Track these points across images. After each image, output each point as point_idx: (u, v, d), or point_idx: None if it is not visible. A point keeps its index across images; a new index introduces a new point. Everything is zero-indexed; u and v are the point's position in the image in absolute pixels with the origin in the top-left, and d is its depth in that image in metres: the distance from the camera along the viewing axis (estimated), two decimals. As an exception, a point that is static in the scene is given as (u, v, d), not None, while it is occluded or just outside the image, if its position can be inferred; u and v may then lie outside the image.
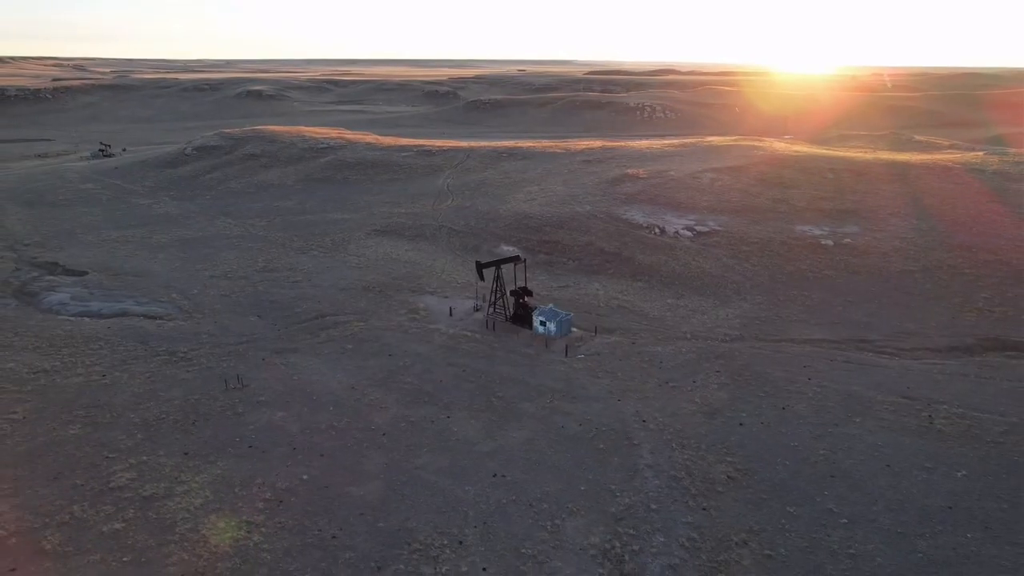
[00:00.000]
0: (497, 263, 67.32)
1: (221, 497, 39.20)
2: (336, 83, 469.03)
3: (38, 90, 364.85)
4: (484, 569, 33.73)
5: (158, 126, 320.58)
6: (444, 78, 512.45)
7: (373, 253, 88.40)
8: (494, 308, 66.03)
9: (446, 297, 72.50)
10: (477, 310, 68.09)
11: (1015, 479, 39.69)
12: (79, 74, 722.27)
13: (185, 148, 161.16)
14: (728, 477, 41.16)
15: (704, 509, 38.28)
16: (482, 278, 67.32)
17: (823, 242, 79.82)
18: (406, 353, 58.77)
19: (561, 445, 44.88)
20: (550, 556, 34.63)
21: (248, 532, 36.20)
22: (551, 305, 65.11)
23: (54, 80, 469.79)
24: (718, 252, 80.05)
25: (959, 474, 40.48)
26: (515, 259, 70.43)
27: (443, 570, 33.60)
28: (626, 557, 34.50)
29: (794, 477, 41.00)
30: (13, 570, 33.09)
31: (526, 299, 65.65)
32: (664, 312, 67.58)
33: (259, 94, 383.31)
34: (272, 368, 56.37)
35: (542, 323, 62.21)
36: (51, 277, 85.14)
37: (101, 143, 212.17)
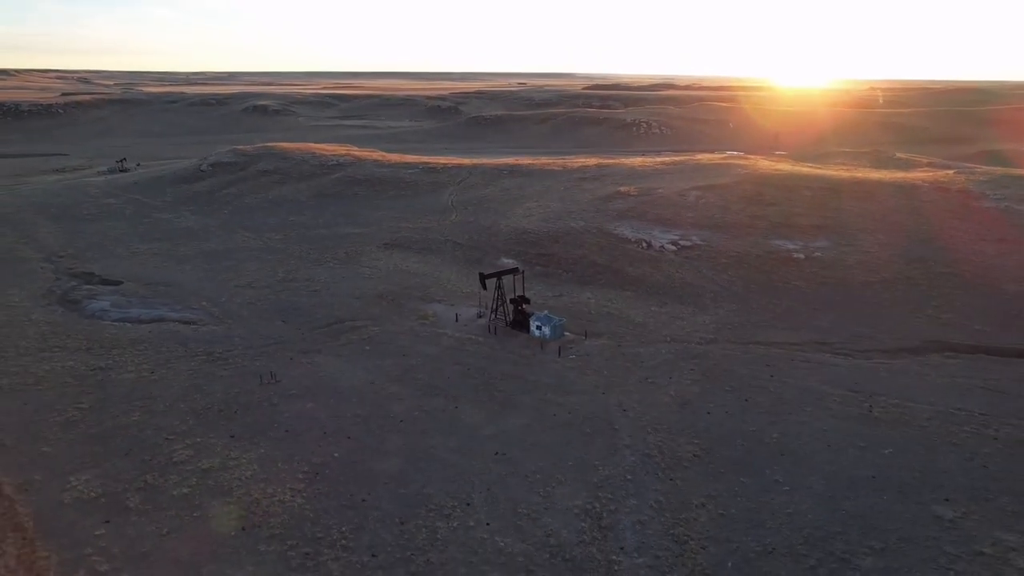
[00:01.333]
0: (498, 274, 75.27)
1: (267, 470, 46.86)
2: (340, 98, 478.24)
3: (50, 105, 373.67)
4: (487, 524, 41.34)
5: (167, 140, 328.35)
6: (446, 93, 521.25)
7: (384, 265, 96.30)
8: (495, 314, 73.79)
9: (452, 305, 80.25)
10: (480, 316, 75.81)
11: (930, 455, 47.35)
12: (87, 88, 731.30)
13: (201, 164, 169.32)
14: (693, 455, 48.80)
15: (671, 480, 45.92)
16: (485, 288, 75.29)
17: (795, 255, 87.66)
18: (418, 354, 66.54)
19: (553, 430, 52.55)
20: (542, 514, 42.25)
21: (292, 496, 43.86)
22: (546, 312, 72.90)
23: (64, 95, 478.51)
24: (699, 264, 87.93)
25: (886, 451, 48.15)
26: (514, 271, 78.37)
27: (454, 525, 41.23)
28: (604, 515, 42.15)
29: (749, 455, 48.64)
30: (107, 521, 40.75)
31: (524, 306, 73.46)
32: (647, 318, 75.38)
33: (265, 109, 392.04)
34: (299, 366, 64.10)
35: (538, 327, 69.98)
36: (89, 286, 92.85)
37: (117, 159, 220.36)
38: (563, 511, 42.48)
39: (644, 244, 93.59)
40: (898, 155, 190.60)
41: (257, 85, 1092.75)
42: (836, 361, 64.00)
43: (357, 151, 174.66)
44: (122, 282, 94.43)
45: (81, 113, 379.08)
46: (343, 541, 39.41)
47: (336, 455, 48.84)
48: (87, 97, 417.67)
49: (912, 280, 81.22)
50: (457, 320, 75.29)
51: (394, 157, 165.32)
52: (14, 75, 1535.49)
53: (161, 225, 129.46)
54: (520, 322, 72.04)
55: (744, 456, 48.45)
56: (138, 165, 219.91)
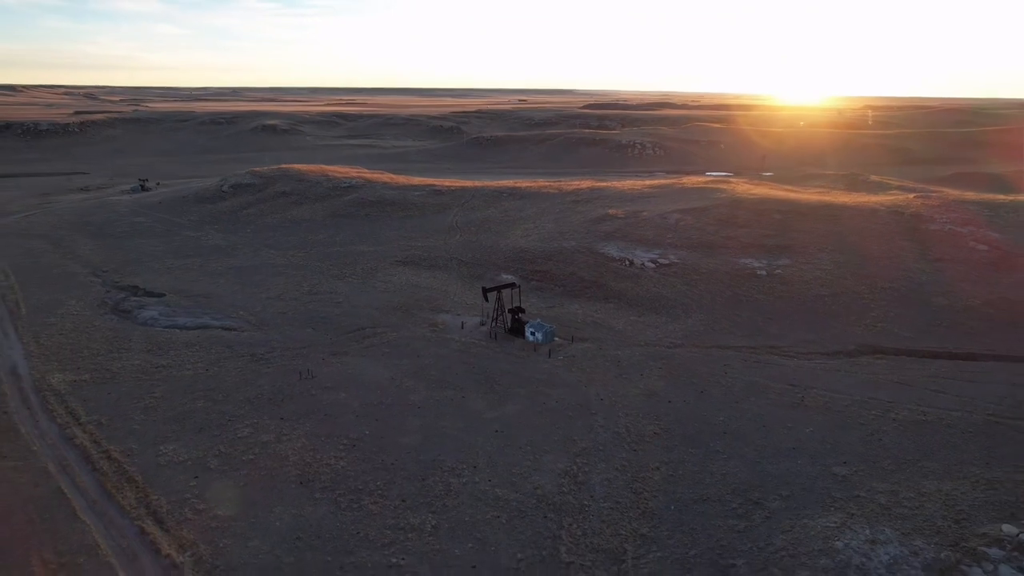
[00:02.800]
0: (498, 288, 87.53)
1: (313, 443, 58.89)
2: (345, 117, 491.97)
3: (67, 124, 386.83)
4: (489, 481, 53.33)
5: (180, 159, 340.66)
6: (447, 112, 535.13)
7: (397, 280, 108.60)
8: (495, 322, 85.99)
9: (458, 315, 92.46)
10: (482, 324, 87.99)
11: (841, 432, 59.43)
12: (93, 103, 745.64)
13: (222, 185, 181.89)
14: (654, 433, 60.86)
15: (634, 451, 57.95)
16: (486, 299, 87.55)
17: (758, 272, 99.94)
18: (430, 355, 78.72)
19: (542, 414, 64.64)
20: (531, 474, 54.26)
21: (336, 460, 55.90)
22: (539, 320, 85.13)
23: (77, 113, 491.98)
24: (674, 280, 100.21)
25: (807, 430, 60.22)
26: (512, 285, 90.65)
27: (463, 481, 53.25)
28: (579, 475, 54.16)
29: (699, 433, 60.68)
30: (196, 476, 52.81)
31: (520, 315, 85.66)
32: (626, 326, 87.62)
33: (273, 128, 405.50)
34: (331, 365, 76.23)
35: (532, 333, 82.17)
36: (136, 298, 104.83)
37: (140, 178, 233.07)
38: (548, 472, 54.55)
39: (627, 262, 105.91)
40: (872, 178, 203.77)
41: (261, 102, 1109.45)
42: (782, 361, 76.19)
43: (368, 173, 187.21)
44: (164, 294, 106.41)
45: (96, 132, 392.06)
46: (379, 491, 51.47)
47: (367, 432, 60.93)
48: (101, 116, 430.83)
49: (858, 294, 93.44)
50: (462, 327, 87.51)
51: (402, 179, 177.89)
52: (21, 91, 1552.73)
53: (190, 242, 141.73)
54: (517, 329, 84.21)
55: (695, 434, 60.52)
56: (158, 184, 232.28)
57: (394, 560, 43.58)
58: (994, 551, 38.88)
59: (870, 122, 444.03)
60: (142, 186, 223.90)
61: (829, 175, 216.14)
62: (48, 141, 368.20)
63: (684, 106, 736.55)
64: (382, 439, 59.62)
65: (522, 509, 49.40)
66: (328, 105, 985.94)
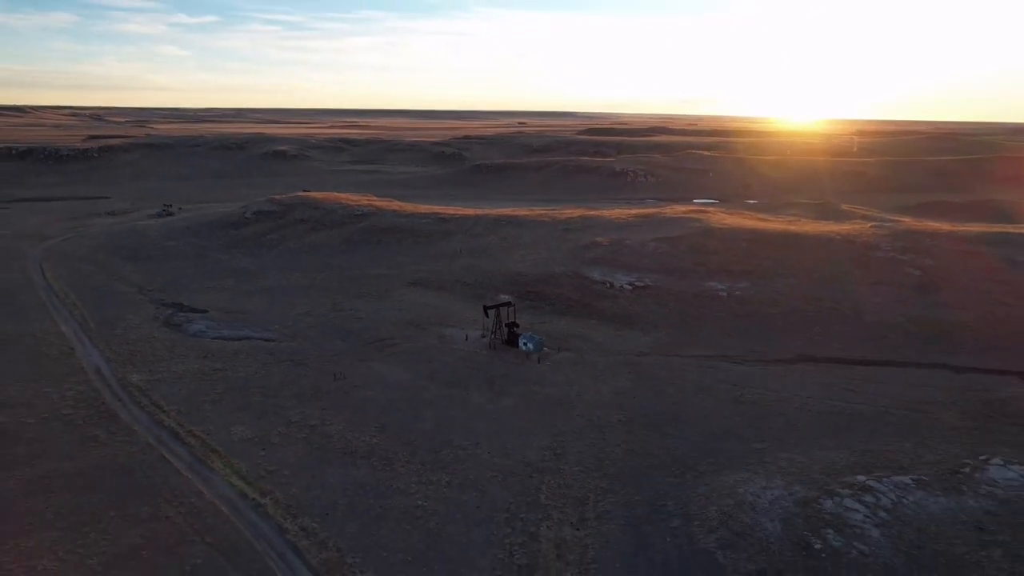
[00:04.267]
0: (497, 306, 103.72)
1: (350, 426, 74.85)
2: (350, 142, 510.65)
3: (87, 149, 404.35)
4: (488, 453, 69.23)
5: (195, 184, 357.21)
6: (449, 138, 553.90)
7: (409, 299, 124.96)
8: (494, 335, 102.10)
9: (462, 329, 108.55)
10: (483, 336, 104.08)
11: (765, 420, 75.38)
12: (101, 126, 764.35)
13: (245, 212, 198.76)
14: (619, 421, 76.83)
15: (602, 433, 73.85)
16: (487, 316, 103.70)
17: (720, 293, 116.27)
18: (439, 361, 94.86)
19: (532, 407, 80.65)
20: (521, 449, 70.21)
21: (369, 439, 71.86)
22: (531, 332, 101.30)
23: (92, 138, 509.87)
24: (647, 300, 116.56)
25: (740, 419, 76.23)
26: (509, 303, 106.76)
27: (468, 453, 69.13)
28: (559, 449, 70.09)
29: (654, 421, 76.69)
30: (263, 449, 68.80)
31: (515, 329, 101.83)
32: (604, 339, 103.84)
33: (283, 154, 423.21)
34: (358, 369, 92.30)
35: (524, 343, 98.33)
36: (183, 313, 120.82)
37: (164, 203, 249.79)
38: (534, 447, 70.57)
39: (608, 284, 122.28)
40: (843, 207, 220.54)
41: (266, 124, 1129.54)
42: (730, 367, 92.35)
43: (378, 201, 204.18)
44: (207, 311, 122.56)
45: (113, 156, 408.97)
46: (404, 460, 67.48)
47: (392, 419, 76.94)
48: (118, 141, 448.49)
49: (804, 312, 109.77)
50: (466, 339, 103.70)
51: (409, 207, 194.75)
52: (29, 112, 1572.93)
53: (221, 265, 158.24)
54: (512, 340, 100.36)
55: (651, 422, 76.54)
56: (179, 209, 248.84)
57: (419, 503, 59.57)
58: (845, 491, 54.83)
59: (855, 149, 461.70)
60: (166, 211, 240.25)
61: (805, 203, 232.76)
62: (69, 166, 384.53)
63: (681, 131, 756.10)
64: (404, 424, 75.66)
65: (513, 471, 65.42)
66: (332, 128, 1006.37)
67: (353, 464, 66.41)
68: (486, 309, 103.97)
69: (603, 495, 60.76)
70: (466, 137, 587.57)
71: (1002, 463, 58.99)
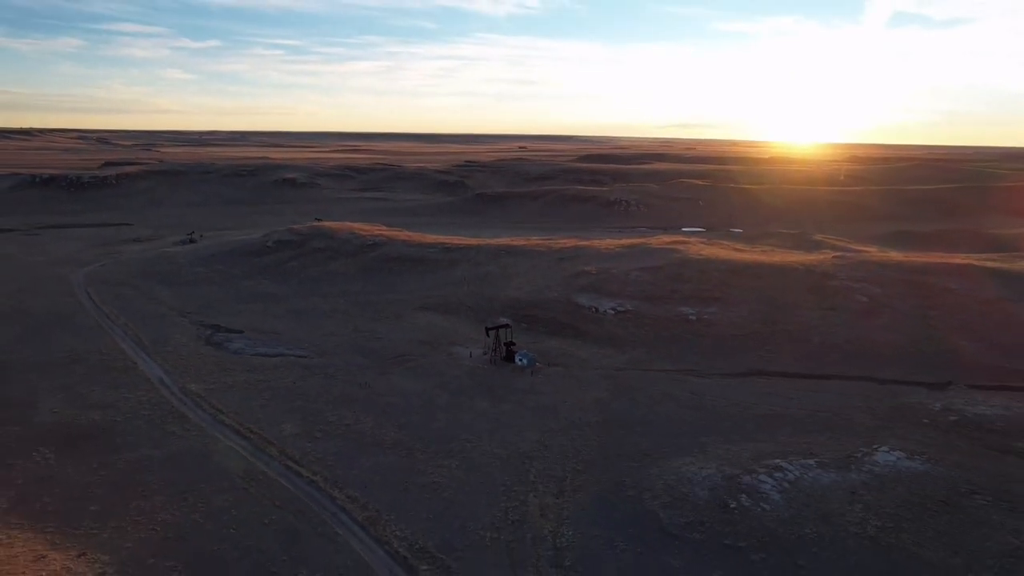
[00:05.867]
0: (496, 328, 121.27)
1: (378, 425, 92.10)
2: (356, 169, 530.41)
3: (105, 177, 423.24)
4: (490, 445, 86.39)
5: (210, 210, 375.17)
6: (451, 165, 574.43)
7: (420, 321, 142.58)
8: (494, 352, 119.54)
9: (467, 347, 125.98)
10: (485, 354, 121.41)
11: (713, 421, 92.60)
12: (107, 148, 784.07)
13: (267, 241, 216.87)
14: (596, 422, 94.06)
15: (581, 431, 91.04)
16: (488, 336, 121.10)
17: (690, 317, 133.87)
18: (449, 374, 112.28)
19: (525, 411, 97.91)
20: (517, 442, 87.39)
21: (394, 434, 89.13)
22: (526, 350, 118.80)
23: (108, 164, 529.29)
24: (627, 323, 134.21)
25: (695, 421, 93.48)
26: (507, 325, 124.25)
27: (473, 445, 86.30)
28: (545, 442, 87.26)
29: (625, 422, 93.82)
30: (310, 442, 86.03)
31: (512, 347, 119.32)
32: (588, 356, 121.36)
33: (293, 182, 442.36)
34: (380, 380, 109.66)
35: (520, 360, 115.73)
36: (221, 333, 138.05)
37: (187, 231, 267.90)
38: (527, 441, 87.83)
39: (594, 309, 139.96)
40: (816, 237, 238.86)
41: (269, 147, 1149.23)
42: (693, 380, 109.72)
43: (387, 231, 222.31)
44: (243, 331, 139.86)
45: (130, 184, 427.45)
46: (422, 450, 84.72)
47: (411, 420, 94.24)
48: (133, 169, 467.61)
49: (760, 334, 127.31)
50: (471, 356, 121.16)
51: (418, 237, 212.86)
52: (37, 135, 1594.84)
53: (248, 290, 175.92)
54: (509, 357, 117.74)
55: (622, 423, 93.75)
56: (201, 236, 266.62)
57: (435, 480, 76.87)
58: (762, 470, 72.14)
59: (842, 178, 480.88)
60: (190, 238, 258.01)
61: (783, 233, 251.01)
62: (89, 193, 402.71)
63: (677, 158, 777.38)
64: (421, 424, 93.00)
65: (509, 458, 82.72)
66: (335, 152, 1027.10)
67: (382, 453, 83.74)
68: (487, 330, 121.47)
69: (578, 475, 78.05)
70: (468, 163, 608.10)
71: (887, 450, 76.39)
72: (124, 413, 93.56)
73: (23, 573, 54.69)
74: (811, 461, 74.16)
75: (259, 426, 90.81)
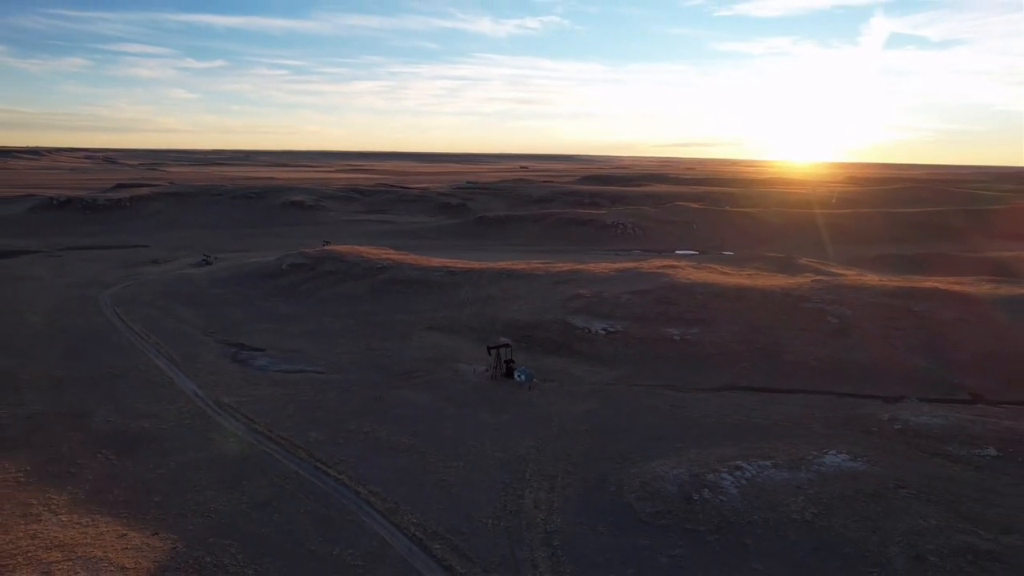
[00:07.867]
0: (497, 347, 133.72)
1: (392, 433, 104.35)
2: (360, 191, 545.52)
3: (119, 199, 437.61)
4: (491, 449, 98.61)
5: (222, 232, 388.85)
6: (453, 187, 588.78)
7: (427, 341, 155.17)
8: (495, 369, 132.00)
9: (471, 364, 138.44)
10: (487, 371, 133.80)
11: (687, 429, 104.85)
12: (114, 167, 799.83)
13: (281, 264, 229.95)
14: (585, 430, 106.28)
15: (572, 438, 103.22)
16: (489, 354, 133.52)
17: (674, 337, 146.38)
18: (454, 389, 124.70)
19: (523, 421, 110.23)
20: (514, 447, 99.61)
21: (407, 440, 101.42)
22: (524, 367, 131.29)
23: (120, 186, 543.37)
24: (617, 343, 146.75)
25: (672, 428, 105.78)
26: (507, 345, 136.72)
27: (477, 450, 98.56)
28: (540, 447, 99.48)
29: (610, 430, 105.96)
30: (334, 447, 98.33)
31: (511, 365, 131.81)
32: (581, 373, 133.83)
33: (301, 204, 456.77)
34: (393, 394, 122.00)
35: (519, 376, 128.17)
36: (245, 351, 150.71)
37: (204, 253, 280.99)
38: (524, 446, 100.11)
39: (587, 330, 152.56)
40: (801, 260, 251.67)
41: (274, 167, 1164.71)
42: (673, 393, 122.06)
43: (394, 255, 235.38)
44: (264, 349, 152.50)
45: (144, 206, 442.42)
46: (433, 453, 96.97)
47: (421, 429, 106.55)
48: (146, 191, 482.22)
49: (737, 352, 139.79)
50: (474, 372, 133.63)
51: (423, 261, 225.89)
52: (44, 155, 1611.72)
53: (266, 311, 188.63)
54: (509, 373, 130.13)
55: (608, 431, 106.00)
56: (216, 258, 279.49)
57: (445, 478, 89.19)
58: (724, 469, 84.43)
59: (834, 200, 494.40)
60: (206, 260, 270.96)
61: (770, 257, 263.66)
62: (104, 215, 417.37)
63: (675, 179, 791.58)
64: (431, 432, 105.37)
65: (509, 460, 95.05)
66: (339, 171, 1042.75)
67: (398, 456, 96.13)
68: (489, 349, 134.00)
69: (567, 475, 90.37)
70: (469, 183, 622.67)
71: (835, 453, 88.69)
72: (168, 422, 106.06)
73: (113, 546, 67.08)
74: (768, 462, 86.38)
75: (288, 433, 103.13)
